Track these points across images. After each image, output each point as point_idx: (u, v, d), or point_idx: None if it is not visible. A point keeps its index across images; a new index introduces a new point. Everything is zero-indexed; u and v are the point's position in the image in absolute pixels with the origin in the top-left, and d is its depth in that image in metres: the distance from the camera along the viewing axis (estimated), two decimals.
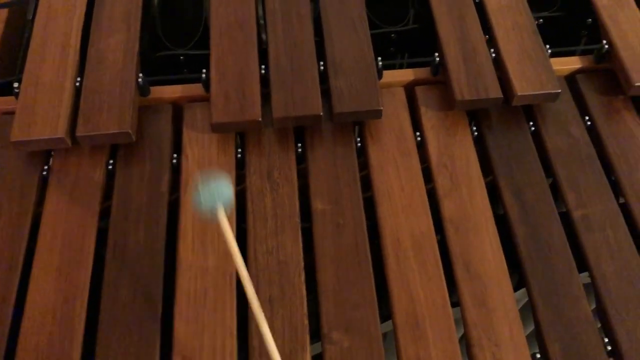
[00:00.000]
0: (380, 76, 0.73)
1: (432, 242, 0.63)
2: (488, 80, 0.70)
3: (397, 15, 0.84)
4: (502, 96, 0.69)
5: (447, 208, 0.65)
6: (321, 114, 0.68)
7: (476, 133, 0.71)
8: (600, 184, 0.66)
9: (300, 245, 0.63)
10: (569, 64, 0.76)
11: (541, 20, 0.82)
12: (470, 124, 0.71)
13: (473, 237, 0.63)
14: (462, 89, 0.69)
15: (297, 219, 0.64)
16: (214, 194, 0.48)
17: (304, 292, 0.60)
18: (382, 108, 0.68)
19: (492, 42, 0.74)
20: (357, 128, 0.72)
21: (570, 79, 0.75)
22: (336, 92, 0.69)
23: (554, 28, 0.85)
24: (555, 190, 0.68)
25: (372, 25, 0.83)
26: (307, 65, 0.71)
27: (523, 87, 0.69)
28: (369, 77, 0.70)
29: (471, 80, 0.70)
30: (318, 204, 0.65)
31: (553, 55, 0.76)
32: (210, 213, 0.47)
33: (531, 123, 0.71)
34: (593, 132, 0.71)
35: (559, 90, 0.69)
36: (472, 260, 0.62)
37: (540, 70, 0.70)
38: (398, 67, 0.87)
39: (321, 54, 0.73)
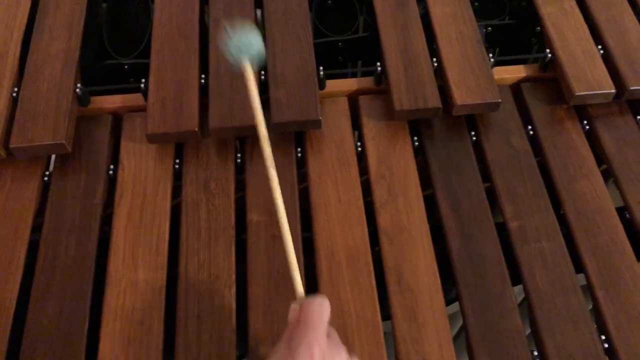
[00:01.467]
0: (322, 86, 0.73)
1: (367, 254, 0.62)
2: (428, 90, 0.69)
3: (346, 23, 0.83)
4: (441, 106, 0.68)
5: (383, 219, 0.64)
6: None
7: (417, 143, 0.70)
8: (539, 195, 0.66)
9: (233, 257, 0.62)
10: (515, 72, 0.75)
11: (490, 28, 0.82)
12: (411, 134, 0.70)
13: (407, 249, 0.62)
14: (402, 99, 0.69)
15: (232, 231, 0.64)
16: (243, 44, 0.46)
17: (234, 306, 0.59)
18: (320, 118, 0.68)
19: (435, 51, 0.73)
20: (298, 138, 0.71)
21: (516, 88, 0.75)
22: (275, 102, 0.69)
23: (505, 36, 0.85)
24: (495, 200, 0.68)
25: (321, 34, 0.83)
26: None
27: (463, 96, 0.69)
28: (309, 87, 0.70)
29: (411, 89, 0.69)
30: (254, 216, 0.65)
31: (505, 63, 0.76)
32: (235, 62, 0.46)
33: (473, 133, 0.71)
34: (535, 142, 0.70)
35: (499, 100, 0.68)
36: (405, 273, 0.61)
37: (482, 79, 0.70)
38: (351, 76, 0.86)
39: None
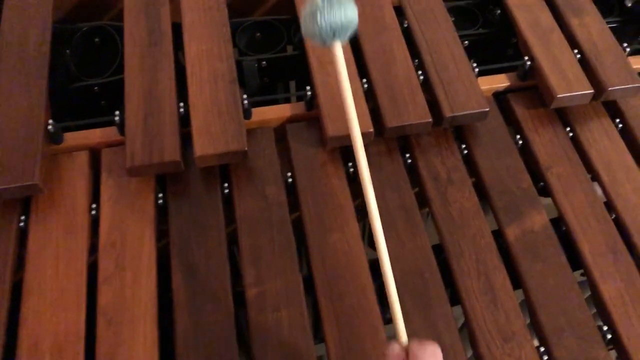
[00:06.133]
0: (57, 140, 0.64)
1: (79, 343, 0.54)
2: (167, 141, 0.62)
3: (102, 66, 0.75)
4: (179, 159, 0.61)
5: (104, 296, 0.56)
6: None
7: (161, 201, 0.62)
8: (286, 254, 0.59)
9: None
10: (280, 112, 0.69)
11: (264, 62, 0.75)
12: (156, 192, 0.63)
13: (126, 331, 0.54)
14: (135, 153, 0.61)
15: None
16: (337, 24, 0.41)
17: None
18: (37, 182, 0.59)
19: (184, 94, 0.66)
20: (25, 204, 0.62)
21: (281, 130, 0.68)
22: None
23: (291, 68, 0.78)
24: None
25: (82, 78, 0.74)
26: None
27: (204, 146, 0.61)
28: (30, 146, 0.61)
29: (147, 141, 0.62)
30: None
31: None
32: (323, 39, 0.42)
33: (226, 185, 0.64)
34: (293, 190, 0.64)
35: (245, 149, 0.61)
36: None
37: (230, 125, 0.63)
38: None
39: None
